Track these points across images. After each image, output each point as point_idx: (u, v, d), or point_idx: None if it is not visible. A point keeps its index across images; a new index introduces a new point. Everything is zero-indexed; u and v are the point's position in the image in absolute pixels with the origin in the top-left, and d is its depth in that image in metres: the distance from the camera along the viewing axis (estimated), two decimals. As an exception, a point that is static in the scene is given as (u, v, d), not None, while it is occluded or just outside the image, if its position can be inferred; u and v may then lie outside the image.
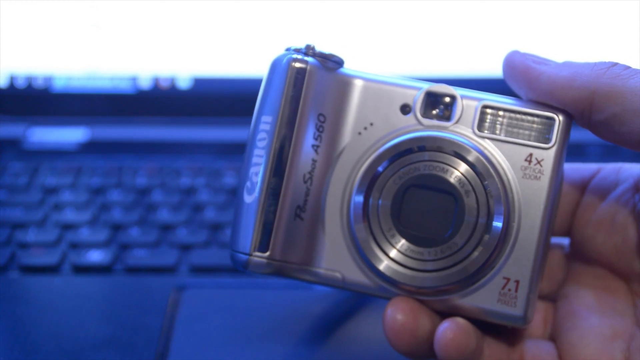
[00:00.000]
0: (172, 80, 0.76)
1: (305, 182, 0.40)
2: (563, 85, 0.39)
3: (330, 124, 0.40)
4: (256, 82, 0.75)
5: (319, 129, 0.40)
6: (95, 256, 0.58)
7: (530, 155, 0.39)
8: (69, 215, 0.63)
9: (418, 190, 0.39)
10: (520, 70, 0.40)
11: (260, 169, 0.40)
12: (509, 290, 0.39)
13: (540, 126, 0.39)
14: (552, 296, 0.44)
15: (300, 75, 0.40)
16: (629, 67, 0.39)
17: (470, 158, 0.39)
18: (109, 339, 0.49)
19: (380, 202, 0.39)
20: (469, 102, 0.40)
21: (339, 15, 0.74)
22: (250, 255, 0.40)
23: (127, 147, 0.74)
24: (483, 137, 0.39)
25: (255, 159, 0.40)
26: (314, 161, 0.40)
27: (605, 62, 0.39)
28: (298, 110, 0.40)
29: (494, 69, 0.74)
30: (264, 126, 0.40)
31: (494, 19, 0.74)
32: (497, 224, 0.38)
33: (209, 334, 0.49)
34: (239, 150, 0.74)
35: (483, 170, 0.39)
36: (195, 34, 0.75)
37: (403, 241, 0.39)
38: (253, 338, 0.49)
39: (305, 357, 0.48)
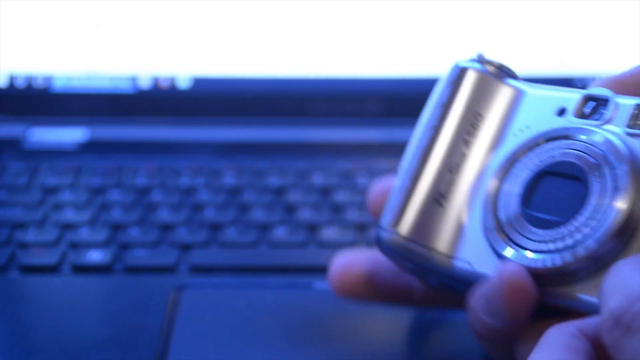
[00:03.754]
0: (172, 80, 0.76)
1: (451, 172, 0.43)
2: None
3: (485, 123, 0.43)
4: (256, 83, 0.76)
5: (474, 126, 0.43)
6: (95, 256, 0.58)
7: None
8: (69, 215, 0.63)
9: (551, 177, 0.40)
10: None
11: (412, 157, 0.43)
12: None
13: None
14: None
15: (463, 78, 0.43)
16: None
17: (606, 147, 0.39)
18: (109, 339, 0.49)
19: (513, 190, 0.41)
20: (623, 103, 0.40)
21: (340, 15, 0.74)
22: (386, 230, 0.42)
23: (127, 147, 0.74)
24: (633, 135, 0.39)
25: (410, 148, 0.44)
26: (464, 155, 0.43)
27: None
28: (455, 107, 0.43)
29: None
30: (424, 119, 0.44)
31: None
32: (619, 208, 0.37)
33: (209, 334, 0.49)
34: (239, 150, 0.74)
35: (616, 160, 0.38)
36: (195, 34, 0.75)
37: (528, 226, 0.40)
38: (253, 338, 0.49)
39: (306, 357, 0.48)
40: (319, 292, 0.54)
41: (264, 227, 0.62)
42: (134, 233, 0.61)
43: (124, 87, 0.76)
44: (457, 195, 0.43)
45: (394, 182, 0.44)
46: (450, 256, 0.42)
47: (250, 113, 0.76)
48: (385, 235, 0.42)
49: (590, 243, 0.38)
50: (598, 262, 0.38)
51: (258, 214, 0.63)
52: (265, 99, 0.76)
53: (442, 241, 0.42)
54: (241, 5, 0.74)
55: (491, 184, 0.42)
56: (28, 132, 0.76)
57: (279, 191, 0.67)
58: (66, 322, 0.51)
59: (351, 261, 0.47)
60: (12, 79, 0.76)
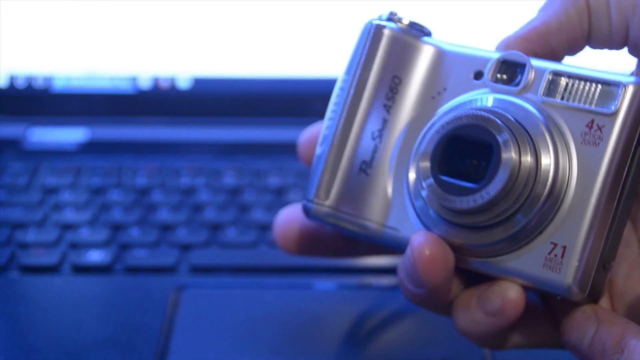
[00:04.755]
0: (172, 80, 0.76)
1: (373, 139, 0.42)
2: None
3: (404, 86, 0.42)
4: (256, 83, 0.76)
5: (393, 90, 0.42)
6: (95, 256, 0.58)
7: (592, 121, 0.38)
8: (69, 215, 0.63)
9: (461, 141, 0.38)
10: None
11: (331, 124, 0.42)
12: (555, 255, 0.37)
13: (605, 92, 0.38)
14: None
15: (378, 38, 0.42)
16: None
17: (523, 117, 0.38)
18: (109, 339, 0.49)
19: (423, 151, 0.39)
20: (539, 69, 0.39)
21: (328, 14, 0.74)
22: (312, 202, 0.41)
23: (127, 147, 0.74)
24: (547, 103, 0.39)
25: (328, 114, 0.42)
26: (385, 120, 0.42)
27: None
28: (372, 70, 0.41)
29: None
30: (341, 84, 0.42)
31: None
32: (544, 185, 0.37)
33: (209, 334, 0.49)
34: (239, 150, 0.74)
35: (533, 130, 0.38)
36: (195, 34, 0.75)
37: (447, 195, 0.38)
38: (253, 338, 0.49)
39: (306, 357, 0.48)
40: (319, 292, 0.54)
41: (264, 227, 0.62)
42: (134, 233, 0.61)
43: (124, 87, 0.76)
44: (381, 163, 0.42)
45: (316, 150, 0.42)
46: (380, 224, 0.41)
47: (250, 113, 0.76)
48: (312, 207, 0.41)
49: (519, 217, 0.37)
50: (527, 234, 0.37)
51: (258, 214, 0.63)
52: (265, 99, 0.76)
53: (371, 209, 0.41)
54: (241, 5, 0.74)
55: (413, 161, 0.40)
56: (28, 132, 0.76)
57: (279, 191, 0.67)
58: (66, 322, 0.51)
59: (293, 215, 0.45)
60: (12, 79, 0.76)
